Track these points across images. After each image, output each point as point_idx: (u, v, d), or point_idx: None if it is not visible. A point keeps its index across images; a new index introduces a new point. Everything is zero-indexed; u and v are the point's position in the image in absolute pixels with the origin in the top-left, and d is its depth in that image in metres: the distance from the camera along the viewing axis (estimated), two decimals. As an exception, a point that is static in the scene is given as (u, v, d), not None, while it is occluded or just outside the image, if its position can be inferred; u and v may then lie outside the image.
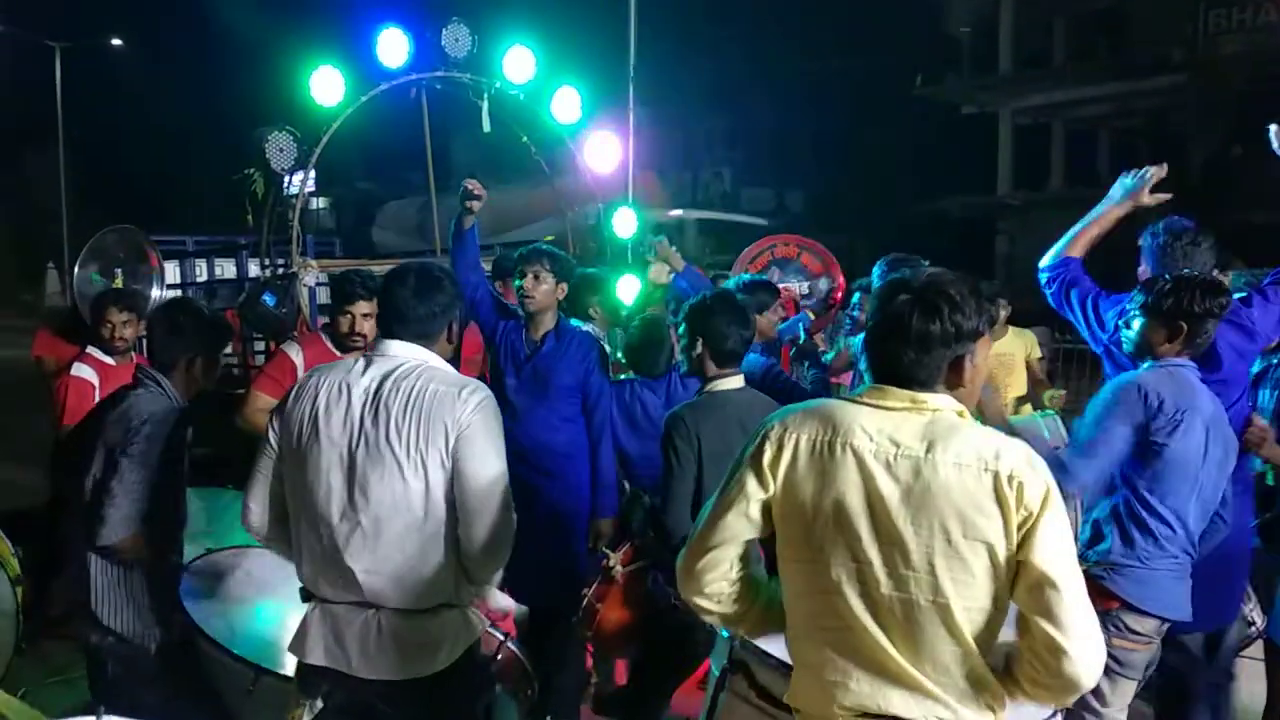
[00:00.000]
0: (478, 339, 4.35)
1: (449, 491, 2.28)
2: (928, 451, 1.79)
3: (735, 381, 3.26)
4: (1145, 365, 3.01)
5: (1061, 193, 20.64)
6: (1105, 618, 2.66)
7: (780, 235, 7.32)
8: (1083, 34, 20.47)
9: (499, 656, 2.57)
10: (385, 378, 2.32)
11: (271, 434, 2.41)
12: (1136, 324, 3.02)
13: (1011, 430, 5.25)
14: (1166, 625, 2.97)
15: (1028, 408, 5.95)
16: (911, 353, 1.86)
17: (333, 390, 2.33)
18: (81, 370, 4.50)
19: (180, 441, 3.01)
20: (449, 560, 2.31)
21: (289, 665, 2.89)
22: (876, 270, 4.53)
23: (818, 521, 1.83)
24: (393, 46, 5.94)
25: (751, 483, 1.91)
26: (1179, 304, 2.92)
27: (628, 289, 6.96)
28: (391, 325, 2.40)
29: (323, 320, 5.29)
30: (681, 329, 3.36)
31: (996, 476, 1.76)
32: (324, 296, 7.36)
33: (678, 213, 15.21)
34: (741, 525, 1.92)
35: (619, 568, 3.44)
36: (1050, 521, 1.76)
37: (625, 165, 7.15)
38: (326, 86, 5.76)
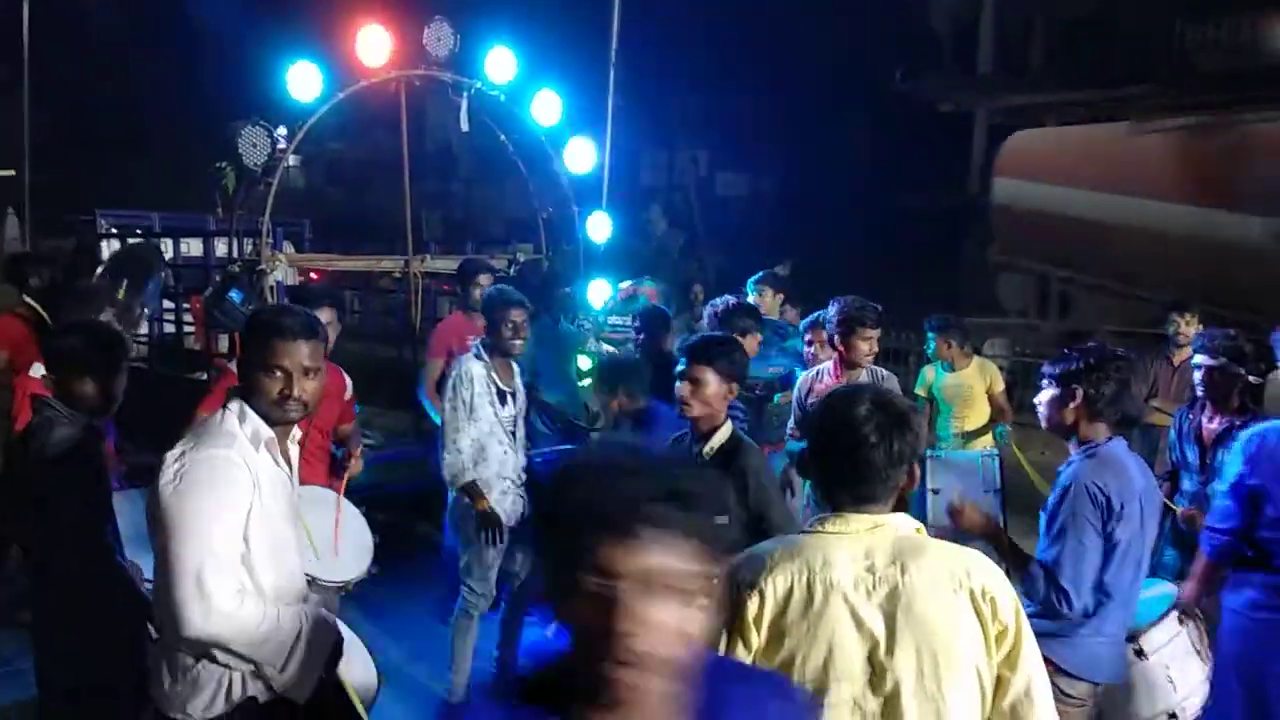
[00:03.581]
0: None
1: None
2: (903, 573, 1.80)
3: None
4: (1074, 454, 3.08)
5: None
6: None
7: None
8: (1062, 39, 20.56)
9: None
10: None
11: None
12: (1044, 395, 3.13)
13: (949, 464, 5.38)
14: (1100, 688, 3.08)
15: (987, 439, 6.03)
16: (878, 481, 1.89)
17: None
18: (40, 373, 4.40)
19: (93, 460, 2.99)
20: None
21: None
22: (831, 309, 4.57)
23: (808, 667, 1.80)
24: (373, 45, 5.87)
25: (739, 646, 1.83)
26: (1072, 370, 3.02)
27: (598, 293, 7.01)
28: None
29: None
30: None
31: (971, 594, 1.81)
32: (294, 278, 7.32)
33: None
34: None
35: None
36: (1026, 636, 1.83)
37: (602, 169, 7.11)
38: (304, 82, 5.70)
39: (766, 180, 24.86)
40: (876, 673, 1.79)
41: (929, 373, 6.28)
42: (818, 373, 4.72)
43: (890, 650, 1.79)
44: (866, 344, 4.44)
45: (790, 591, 1.81)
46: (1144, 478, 3.06)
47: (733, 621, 1.82)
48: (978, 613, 1.80)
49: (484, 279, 5.60)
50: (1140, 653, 3.41)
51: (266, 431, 2.41)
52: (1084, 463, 3.01)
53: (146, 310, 5.70)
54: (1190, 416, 4.60)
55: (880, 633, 1.79)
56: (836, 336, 4.51)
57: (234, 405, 2.41)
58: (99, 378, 3.02)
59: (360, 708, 2.48)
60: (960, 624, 1.79)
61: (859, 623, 1.80)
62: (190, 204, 9.48)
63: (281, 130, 5.79)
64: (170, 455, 2.27)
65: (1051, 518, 2.99)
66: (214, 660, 2.30)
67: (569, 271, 6.84)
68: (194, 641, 2.24)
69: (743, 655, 1.82)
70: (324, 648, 2.37)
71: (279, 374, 2.38)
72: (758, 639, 1.82)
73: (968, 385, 6.10)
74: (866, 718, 1.80)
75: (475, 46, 6.40)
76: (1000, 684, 1.82)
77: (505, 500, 4.26)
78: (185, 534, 2.19)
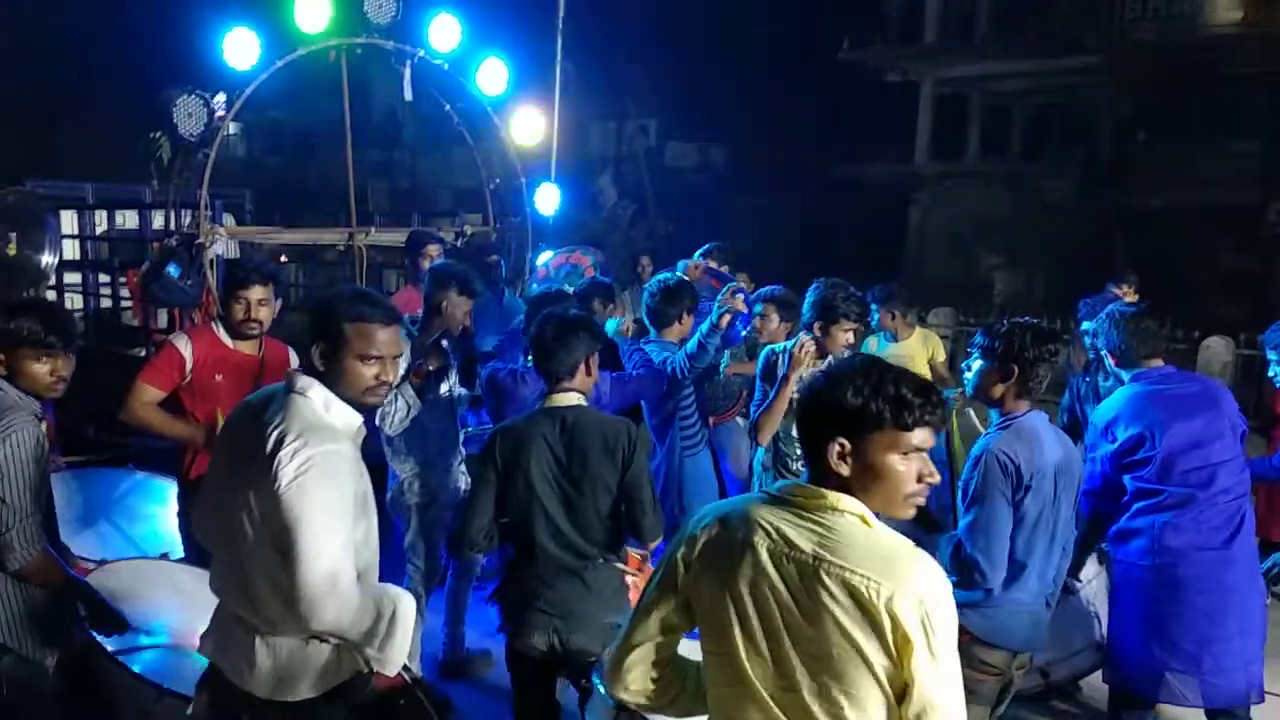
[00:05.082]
0: None
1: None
2: (815, 560, 1.79)
3: (570, 398, 3.25)
4: (993, 424, 3.13)
5: (975, 166, 21.09)
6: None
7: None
8: (1007, 9, 20.73)
9: (402, 702, 2.56)
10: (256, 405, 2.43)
11: None
12: (975, 365, 3.16)
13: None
14: (1016, 656, 3.13)
15: (927, 407, 6.14)
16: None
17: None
18: None
19: (38, 442, 2.89)
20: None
21: (192, 687, 2.90)
22: (811, 294, 4.46)
23: (722, 617, 1.86)
24: (312, 11, 5.74)
25: (667, 585, 1.97)
26: (1010, 347, 3.05)
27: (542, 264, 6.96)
28: None
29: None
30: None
31: (879, 595, 1.75)
32: (235, 252, 7.18)
33: None
34: (658, 626, 1.99)
35: None
36: (930, 646, 1.76)
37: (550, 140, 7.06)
38: (240, 50, 5.56)
39: (716, 150, 24.85)
40: (772, 638, 1.83)
41: (872, 343, 6.37)
42: (784, 350, 4.43)
43: (783, 629, 1.81)
44: (845, 336, 4.31)
45: (712, 545, 1.91)
46: (1062, 450, 3.07)
47: (669, 560, 1.98)
48: (874, 617, 1.75)
49: (432, 249, 5.51)
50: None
51: (357, 420, 2.41)
52: (997, 434, 3.05)
53: (51, 260, 5.44)
54: (1086, 379, 4.91)
55: (781, 604, 1.81)
56: (816, 325, 4.33)
57: (315, 394, 2.35)
58: (52, 359, 2.95)
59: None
60: (859, 621, 1.76)
61: (764, 586, 1.82)
62: (126, 174, 9.21)
63: (220, 97, 5.65)
64: (285, 453, 2.22)
65: (965, 489, 3.03)
66: (322, 641, 2.34)
67: (501, 243, 6.78)
68: (319, 631, 2.28)
69: (667, 592, 1.98)
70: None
71: (374, 362, 2.39)
72: (685, 583, 1.95)
73: (910, 355, 6.20)
74: (774, 680, 1.83)
75: (418, 13, 6.29)
76: (906, 690, 1.78)
77: (448, 477, 4.24)
78: (314, 530, 2.20)
